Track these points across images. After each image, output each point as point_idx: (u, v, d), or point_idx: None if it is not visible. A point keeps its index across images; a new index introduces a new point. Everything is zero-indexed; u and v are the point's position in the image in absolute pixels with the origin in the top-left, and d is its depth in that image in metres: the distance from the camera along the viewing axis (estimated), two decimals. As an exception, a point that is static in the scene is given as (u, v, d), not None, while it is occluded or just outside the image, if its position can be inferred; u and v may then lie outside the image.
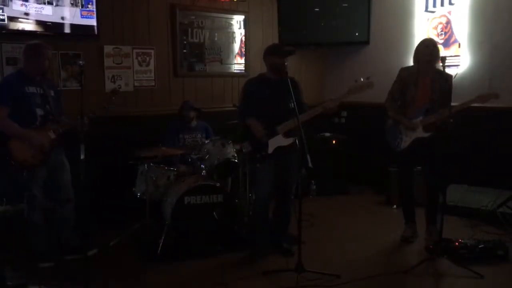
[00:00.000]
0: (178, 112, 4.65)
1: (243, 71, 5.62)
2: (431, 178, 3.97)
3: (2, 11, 3.92)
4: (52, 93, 3.64)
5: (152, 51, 4.90)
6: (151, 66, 4.92)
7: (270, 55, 3.68)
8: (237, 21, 5.56)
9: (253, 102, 3.72)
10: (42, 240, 3.62)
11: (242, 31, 5.60)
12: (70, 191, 3.74)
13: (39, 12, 4.10)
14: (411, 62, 5.53)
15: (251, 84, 3.82)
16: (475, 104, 3.70)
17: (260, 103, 3.68)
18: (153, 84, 4.95)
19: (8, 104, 3.40)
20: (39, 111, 3.52)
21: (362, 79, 3.55)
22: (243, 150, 3.77)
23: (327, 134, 5.88)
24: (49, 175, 3.62)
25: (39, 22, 4.12)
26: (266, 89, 3.68)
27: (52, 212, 3.73)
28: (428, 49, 3.83)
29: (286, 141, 3.63)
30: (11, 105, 3.41)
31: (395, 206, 5.15)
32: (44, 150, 3.47)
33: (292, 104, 3.30)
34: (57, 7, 4.18)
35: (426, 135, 3.81)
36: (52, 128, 3.54)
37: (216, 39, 5.41)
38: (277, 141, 3.64)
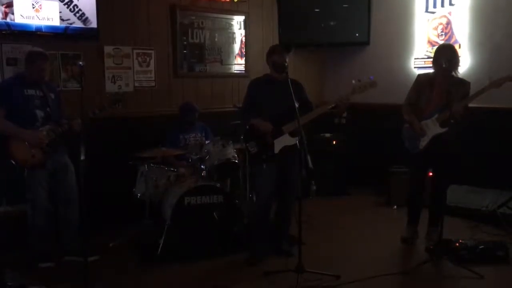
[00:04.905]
0: (180, 114, 4.63)
1: (243, 72, 5.62)
2: (440, 179, 3.95)
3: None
4: (52, 96, 3.65)
5: (152, 52, 4.90)
6: (151, 67, 4.91)
7: (271, 54, 3.76)
8: (237, 22, 5.56)
9: (257, 102, 3.74)
10: (42, 240, 3.61)
11: (242, 31, 5.60)
12: (73, 192, 3.73)
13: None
14: (411, 63, 5.63)
15: (256, 84, 3.84)
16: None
17: (264, 103, 3.70)
18: (153, 84, 4.95)
19: (4, 106, 3.43)
20: (40, 113, 3.54)
21: (365, 78, 3.55)
22: (250, 151, 3.76)
23: (328, 135, 5.86)
24: (51, 176, 3.63)
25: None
26: (270, 89, 3.71)
27: (55, 213, 3.73)
28: (446, 54, 3.80)
29: (292, 141, 3.63)
30: (9, 107, 3.43)
31: (395, 207, 5.14)
32: (43, 149, 3.48)
33: (297, 103, 3.32)
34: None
35: (443, 130, 3.79)
36: (46, 132, 3.52)
37: (216, 39, 5.41)
38: (284, 141, 3.65)
